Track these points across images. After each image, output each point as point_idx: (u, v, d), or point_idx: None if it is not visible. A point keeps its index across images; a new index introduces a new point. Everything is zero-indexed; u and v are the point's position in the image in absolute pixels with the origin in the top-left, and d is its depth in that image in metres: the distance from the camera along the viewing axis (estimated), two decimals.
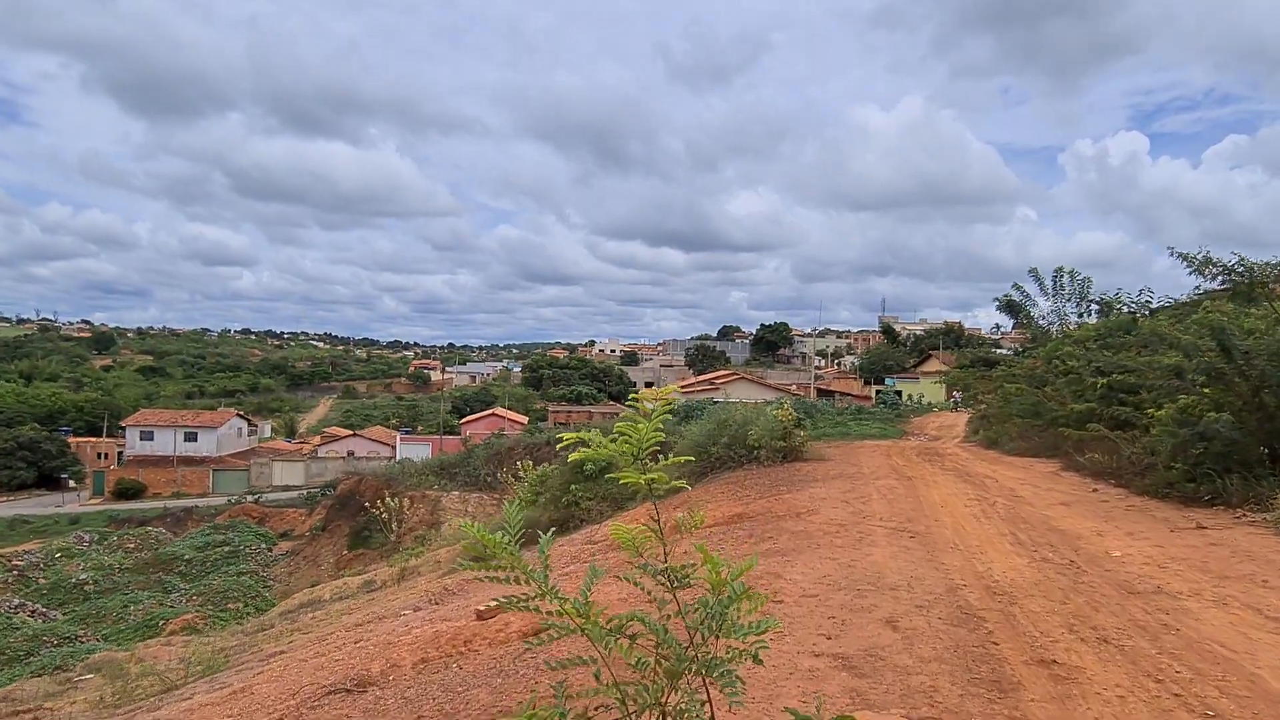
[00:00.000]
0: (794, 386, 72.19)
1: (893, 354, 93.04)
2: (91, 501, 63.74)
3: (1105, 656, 4.49)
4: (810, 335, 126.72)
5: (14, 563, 36.54)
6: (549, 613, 2.62)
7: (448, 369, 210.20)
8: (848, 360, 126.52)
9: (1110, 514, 9.91)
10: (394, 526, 32.12)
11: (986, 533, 8.54)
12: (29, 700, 15.49)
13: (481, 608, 6.46)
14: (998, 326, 49.53)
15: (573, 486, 17.33)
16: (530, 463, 27.32)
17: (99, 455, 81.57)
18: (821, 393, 68.01)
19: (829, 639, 4.80)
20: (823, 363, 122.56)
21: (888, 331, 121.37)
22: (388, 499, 31.86)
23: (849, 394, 65.87)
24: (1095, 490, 12.15)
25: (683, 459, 3.51)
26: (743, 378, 63.45)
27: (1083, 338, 20.04)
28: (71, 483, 72.94)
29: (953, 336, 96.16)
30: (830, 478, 13.82)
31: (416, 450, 64.56)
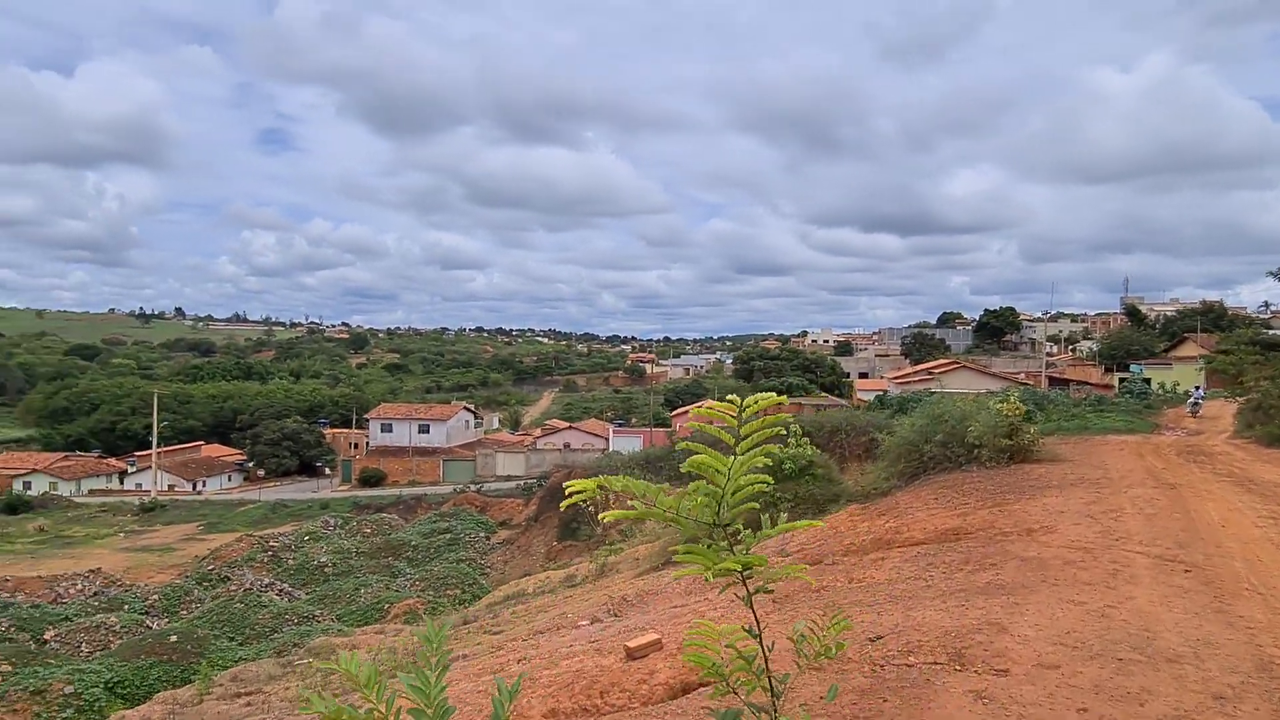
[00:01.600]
0: (1022, 375, 66.55)
1: (1138, 338, 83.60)
2: (341, 488, 69.70)
3: None
4: (1040, 320, 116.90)
5: (270, 544, 40.27)
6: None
7: (662, 362, 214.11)
8: (1084, 346, 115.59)
9: None
10: (601, 520, 32.18)
11: None
12: (253, 682, 16.42)
13: (633, 644, 5.49)
14: (1267, 304, 42.78)
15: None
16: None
17: (351, 445, 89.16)
18: (1054, 381, 62.19)
19: None
20: (1055, 349, 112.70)
21: (1132, 313, 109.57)
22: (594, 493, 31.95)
23: (1086, 383, 59.75)
24: None
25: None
26: (964, 367, 59.16)
27: None
28: (327, 470, 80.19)
29: (1212, 317, 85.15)
30: (1068, 483, 11.76)
31: (628, 443, 65.44)
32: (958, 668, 4.15)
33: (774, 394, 1.96)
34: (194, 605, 30.34)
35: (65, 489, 71.27)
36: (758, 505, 2.10)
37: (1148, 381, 52.72)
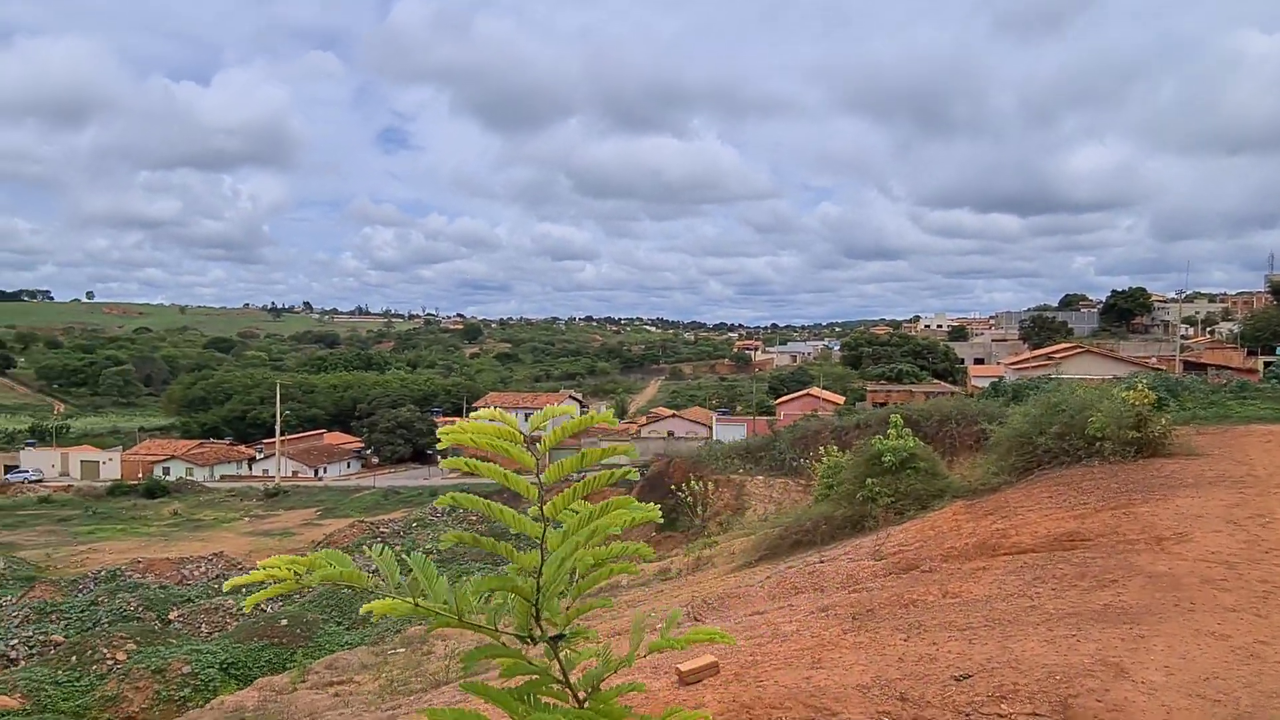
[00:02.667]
0: (1153, 360, 62.22)
1: None
2: (450, 476, 71.43)
3: None
4: (1174, 300, 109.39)
5: (380, 530, 41.41)
6: None
7: (768, 349, 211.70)
8: (1224, 328, 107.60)
9: None
10: (699, 511, 31.67)
11: None
12: (346, 670, 16.58)
13: (685, 668, 4.88)
14: None
15: (869, 480, 15.16)
16: (835, 448, 25.33)
17: None
18: (1189, 366, 57.88)
19: None
20: (1190, 332, 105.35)
21: (1279, 291, 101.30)
22: (693, 482, 31.46)
23: (1227, 367, 55.31)
24: None
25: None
26: (1087, 351, 55.76)
27: None
28: (439, 459, 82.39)
29: None
30: (1205, 482, 10.46)
31: (732, 431, 64.65)
32: None
33: (609, 413, 1.34)
34: (308, 590, 31.33)
35: (199, 475, 75.58)
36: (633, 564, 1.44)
37: None
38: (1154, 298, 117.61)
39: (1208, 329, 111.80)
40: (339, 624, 27.80)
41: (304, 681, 16.29)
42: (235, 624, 27.47)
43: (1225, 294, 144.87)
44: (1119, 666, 3.93)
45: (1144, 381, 14.00)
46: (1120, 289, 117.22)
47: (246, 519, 49.77)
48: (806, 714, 3.86)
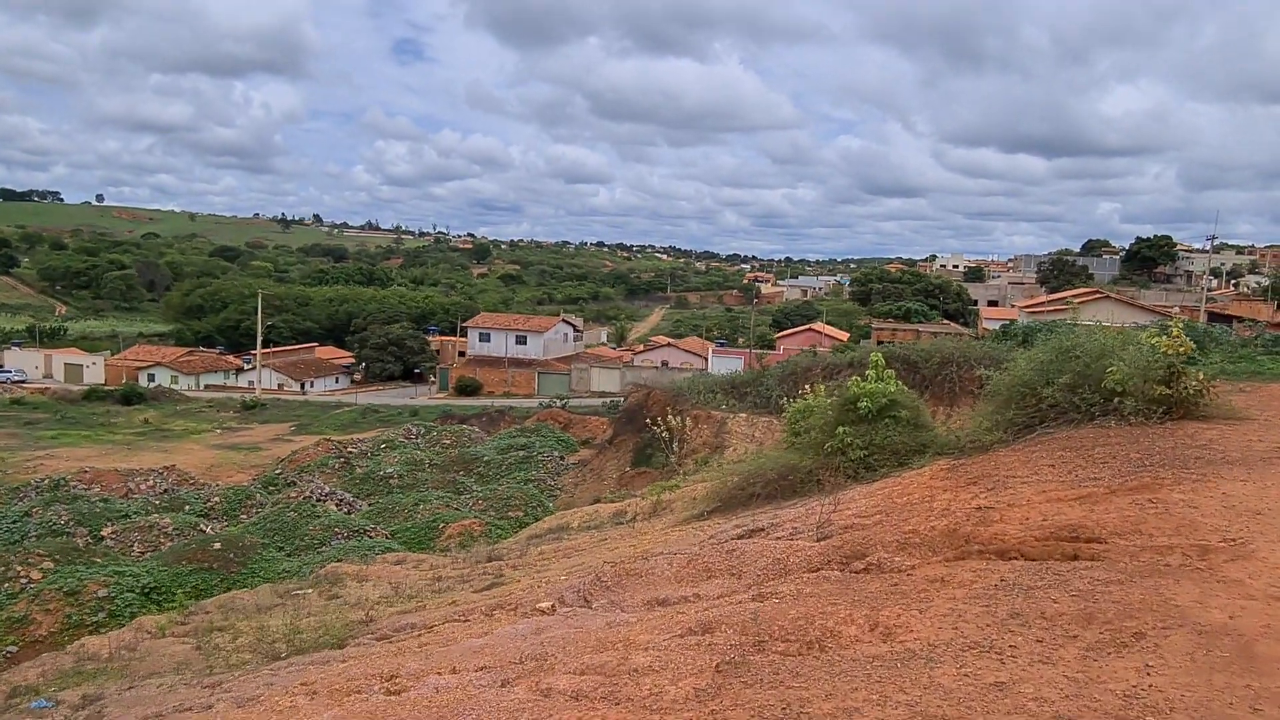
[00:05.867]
0: (1175, 310, 59.18)
1: None
2: (438, 396, 69.68)
3: None
4: (1201, 251, 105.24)
5: (347, 450, 39.53)
6: None
7: (779, 282, 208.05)
8: (1251, 281, 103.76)
9: None
10: (675, 447, 29.51)
11: None
12: (237, 612, 14.60)
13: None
14: None
15: (840, 429, 12.81)
16: (822, 386, 22.98)
17: (459, 353, 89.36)
18: (1214, 317, 55.04)
19: None
20: (1215, 283, 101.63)
21: None
22: (670, 417, 29.24)
23: (1255, 319, 52.41)
24: None
25: None
26: (1107, 297, 52.88)
27: None
28: (432, 378, 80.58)
29: None
30: (1257, 457, 8.05)
31: (728, 363, 62.35)
32: None
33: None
34: (255, 510, 29.55)
35: (185, 383, 74.04)
36: None
37: None
38: (1179, 247, 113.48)
39: (1233, 281, 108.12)
40: (280, 549, 26.02)
41: (184, 624, 14.41)
42: (170, 544, 25.74)
43: (1253, 246, 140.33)
44: None
45: (1178, 326, 11.46)
46: (1145, 237, 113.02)
47: (218, 431, 48.09)
48: None
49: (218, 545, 24.32)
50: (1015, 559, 5.52)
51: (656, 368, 66.60)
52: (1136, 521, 5.81)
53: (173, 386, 68.34)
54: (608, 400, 53.41)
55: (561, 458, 37.52)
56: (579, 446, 41.26)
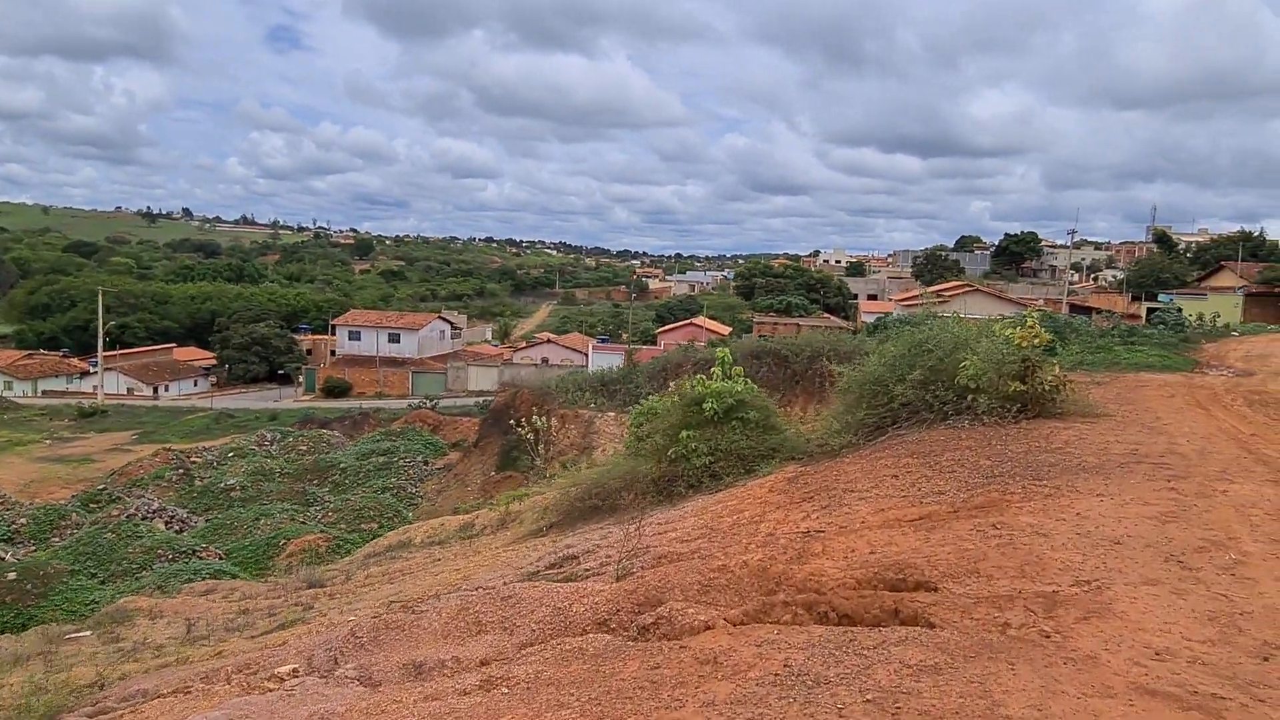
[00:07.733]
0: (1040, 302, 61.35)
1: (1169, 266, 77.94)
2: (303, 398, 65.83)
3: None
4: (1064, 246, 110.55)
5: (191, 459, 36.27)
6: None
7: (668, 278, 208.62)
8: (1108, 275, 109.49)
9: None
10: (540, 450, 27.93)
11: None
12: None
13: None
14: None
15: (684, 433, 11.57)
16: (686, 384, 21.85)
17: (331, 353, 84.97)
18: (1075, 309, 57.11)
19: None
20: (1077, 277, 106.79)
21: (1161, 239, 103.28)
22: (535, 418, 27.66)
23: (1112, 311, 54.67)
24: None
25: None
26: (977, 290, 54.12)
27: None
28: (300, 379, 76.27)
29: (1249, 246, 79.29)
30: (1114, 463, 7.13)
31: (608, 359, 60.94)
32: None
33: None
34: (70, 531, 26.42)
35: (21, 389, 67.72)
36: None
37: (1179, 312, 47.58)
38: (1044, 243, 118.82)
39: (1092, 275, 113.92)
40: (93, 576, 23.16)
41: None
42: None
43: (1110, 243, 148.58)
44: None
45: (1033, 317, 10.68)
46: (1012, 233, 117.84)
47: (47, 442, 43.69)
48: None
49: (11, 576, 21.36)
50: (825, 613, 4.26)
51: (536, 365, 64.75)
52: (975, 558, 4.65)
53: (4, 394, 62.28)
54: (481, 400, 51.30)
55: (426, 462, 35.39)
56: (448, 449, 39.13)
